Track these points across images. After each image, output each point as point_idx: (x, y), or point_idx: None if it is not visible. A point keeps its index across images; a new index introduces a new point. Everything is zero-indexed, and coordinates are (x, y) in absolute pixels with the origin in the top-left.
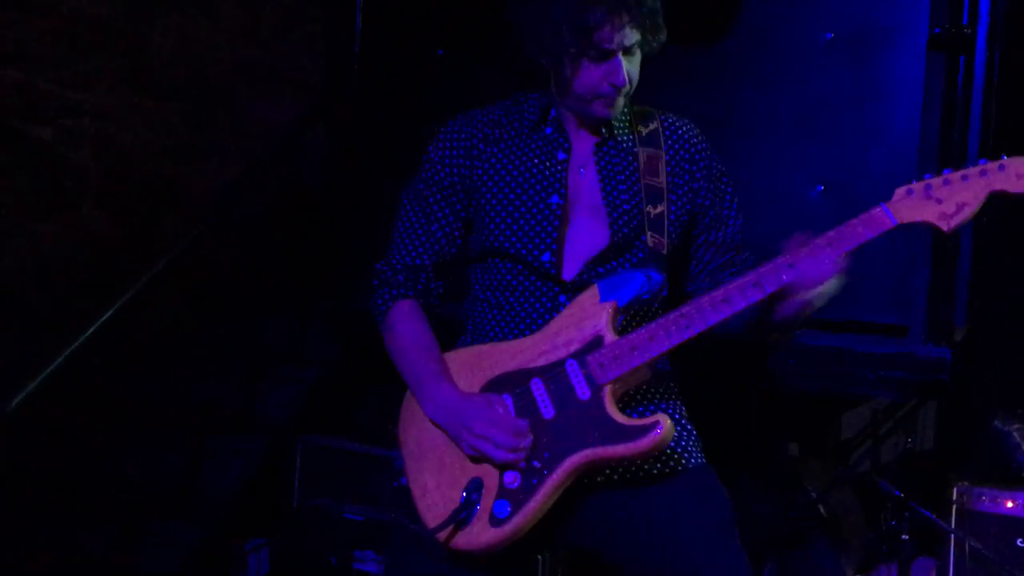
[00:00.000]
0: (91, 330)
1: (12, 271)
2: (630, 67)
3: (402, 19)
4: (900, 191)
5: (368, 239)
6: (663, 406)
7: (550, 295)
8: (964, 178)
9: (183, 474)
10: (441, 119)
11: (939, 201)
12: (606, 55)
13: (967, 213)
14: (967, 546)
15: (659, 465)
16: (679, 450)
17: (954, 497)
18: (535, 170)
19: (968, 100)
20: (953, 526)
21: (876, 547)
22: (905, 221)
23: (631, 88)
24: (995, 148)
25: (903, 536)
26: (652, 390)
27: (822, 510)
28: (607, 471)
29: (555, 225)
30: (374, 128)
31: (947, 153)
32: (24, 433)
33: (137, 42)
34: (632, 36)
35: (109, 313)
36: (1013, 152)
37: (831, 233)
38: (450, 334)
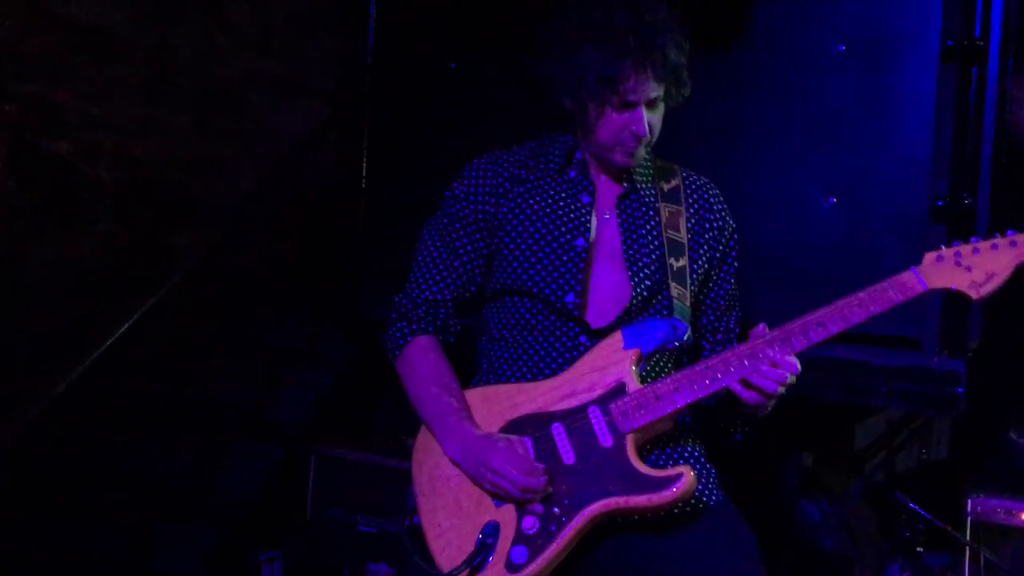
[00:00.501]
0: (110, 341)
1: (32, 281)
2: (652, 118)
3: (414, 32)
4: (929, 256)
5: (381, 246)
6: (681, 449)
7: (570, 335)
8: (993, 247)
9: (198, 478)
10: (454, 130)
11: (969, 269)
12: (629, 106)
13: (996, 282)
14: (982, 558)
15: (680, 505)
16: (700, 489)
17: (969, 509)
18: (560, 212)
19: (980, 111)
20: (968, 538)
21: (890, 558)
22: (935, 287)
23: (652, 139)
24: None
25: (917, 548)
26: (672, 432)
27: (836, 521)
28: (631, 517)
29: (580, 268)
30: (386, 138)
31: (959, 164)
32: (43, 438)
33: (152, 55)
34: (656, 90)
35: (127, 325)
36: None
37: (861, 295)
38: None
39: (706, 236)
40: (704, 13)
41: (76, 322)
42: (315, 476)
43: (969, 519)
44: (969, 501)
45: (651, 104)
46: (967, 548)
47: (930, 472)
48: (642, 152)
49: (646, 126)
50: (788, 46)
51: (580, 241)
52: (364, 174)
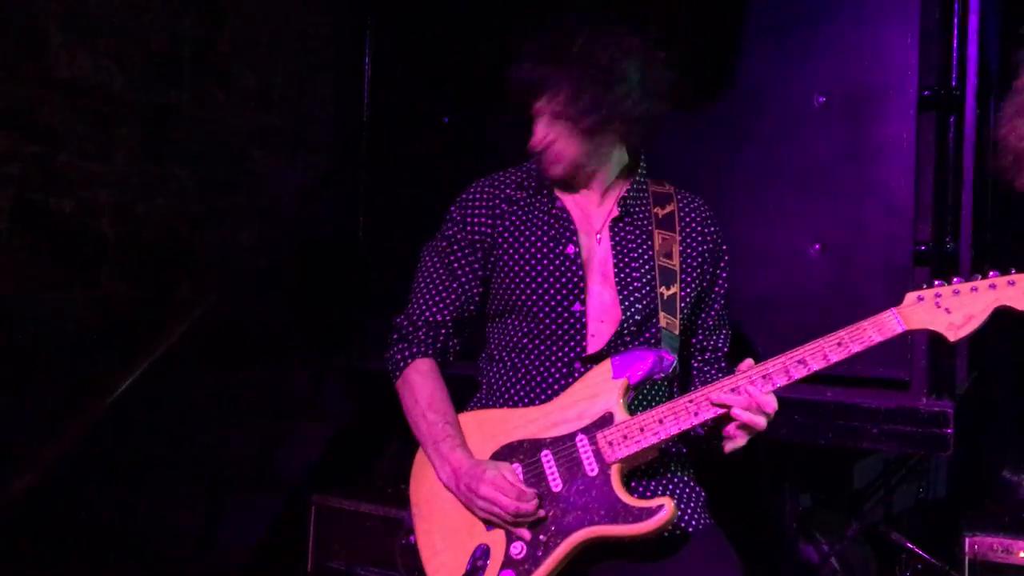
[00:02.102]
0: (112, 397)
1: (36, 337)
2: (544, 130)
3: (409, 87)
4: (911, 296)
5: (380, 297)
6: (669, 476)
7: (565, 361)
8: (973, 290)
9: (200, 532)
10: (448, 183)
11: (948, 311)
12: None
13: (974, 325)
14: None
15: (672, 530)
16: (688, 512)
17: (966, 547)
18: (545, 227)
19: (959, 158)
20: None
21: None
22: (913, 328)
23: (544, 151)
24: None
25: None
26: (660, 459)
27: (835, 562)
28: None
29: (579, 275)
30: (383, 190)
31: (941, 210)
32: (45, 495)
33: (153, 113)
34: (532, 98)
35: (130, 380)
36: (1009, 205)
37: (842, 333)
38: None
39: (698, 260)
40: (690, 70)
41: (78, 377)
42: (315, 527)
43: (967, 558)
44: (966, 540)
45: (538, 114)
46: None
47: (927, 511)
48: (556, 168)
49: (534, 136)
50: (771, 100)
51: (570, 248)
52: (362, 226)
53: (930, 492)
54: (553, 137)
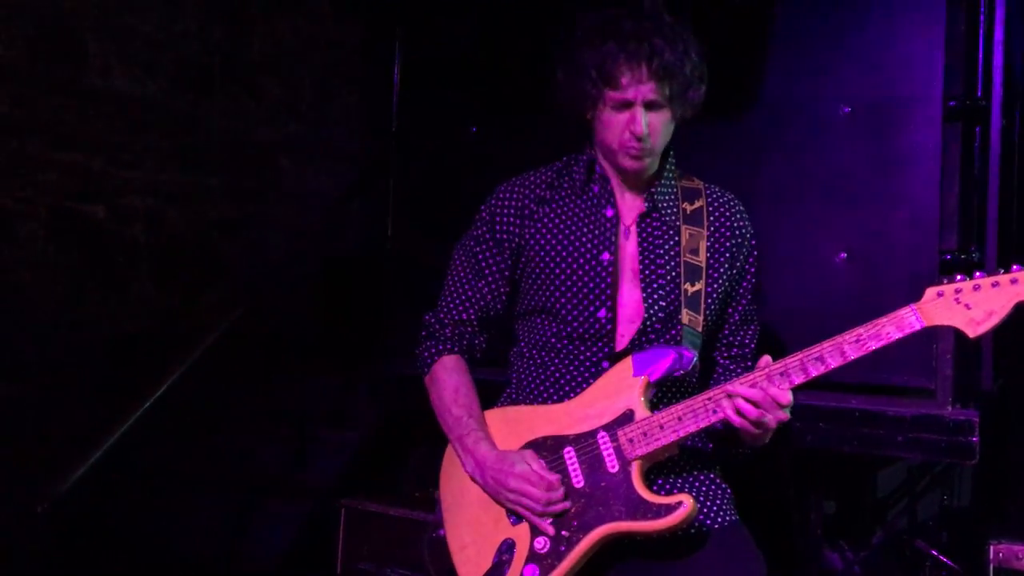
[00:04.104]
0: (146, 404)
1: (70, 344)
2: (653, 120)
3: (437, 96)
4: (930, 291)
5: (406, 306)
6: (693, 473)
7: (593, 360)
8: (994, 285)
9: (232, 540)
10: (475, 192)
11: (968, 307)
12: (628, 105)
13: (995, 320)
14: None
15: (694, 526)
16: (714, 509)
17: (991, 555)
18: (584, 228)
19: (985, 168)
20: None
21: None
22: (933, 324)
23: (653, 144)
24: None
25: None
26: (682, 456)
27: (859, 570)
28: (635, 539)
29: (608, 282)
30: (411, 200)
31: (967, 220)
32: (79, 504)
33: (183, 121)
34: (654, 91)
35: (164, 388)
36: None
37: (859, 330)
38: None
39: (725, 256)
40: (717, 82)
41: (111, 384)
42: (345, 530)
43: (992, 566)
44: (991, 547)
45: (651, 106)
46: None
47: (952, 518)
48: (647, 159)
49: (643, 125)
50: (797, 110)
51: (605, 255)
52: (390, 235)
53: (954, 500)
54: (658, 126)
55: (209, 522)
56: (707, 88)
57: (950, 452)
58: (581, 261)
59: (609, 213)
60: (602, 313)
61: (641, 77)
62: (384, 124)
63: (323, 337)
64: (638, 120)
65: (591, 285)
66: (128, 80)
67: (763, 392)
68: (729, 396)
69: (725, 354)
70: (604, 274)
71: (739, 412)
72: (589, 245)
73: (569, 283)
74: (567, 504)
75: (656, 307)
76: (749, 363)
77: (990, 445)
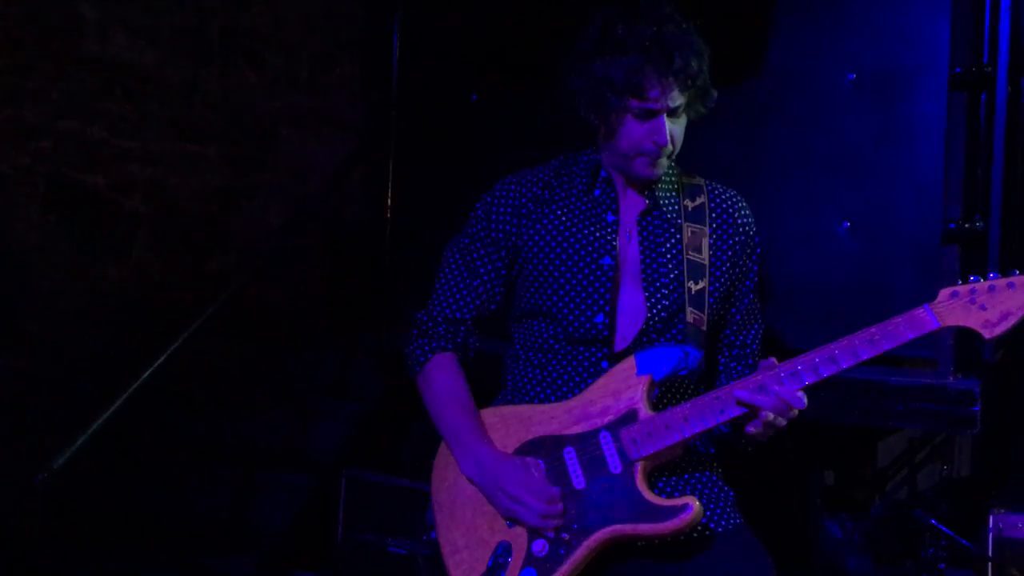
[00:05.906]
0: (143, 378)
1: (71, 313)
2: (674, 128)
3: (436, 65)
4: (944, 292)
5: (408, 277)
6: (696, 475)
7: (592, 360)
8: (1010, 286)
9: (235, 510)
10: (476, 162)
11: (983, 308)
12: (651, 114)
13: (1011, 322)
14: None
15: (697, 529)
16: (717, 512)
17: (991, 525)
18: (585, 231)
19: (990, 137)
20: (991, 554)
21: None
22: (948, 325)
23: (674, 149)
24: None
25: (940, 565)
26: (685, 457)
27: (859, 539)
28: (638, 543)
29: (607, 287)
30: (411, 169)
31: (971, 189)
32: (81, 473)
33: (183, 89)
34: (678, 99)
35: (163, 357)
36: None
37: (873, 330)
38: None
39: (728, 254)
40: (719, 50)
41: (111, 354)
42: (346, 500)
43: (991, 535)
44: (991, 517)
45: (673, 114)
46: (989, 564)
47: (952, 489)
48: (664, 163)
49: (667, 135)
50: (801, 79)
51: (607, 260)
52: (390, 205)
53: (954, 471)
54: (678, 134)
55: (210, 493)
56: (710, 58)
57: (951, 422)
58: (581, 265)
59: (610, 218)
60: (599, 318)
61: (667, 87)
62: (384, 94)
63: (324, 307)
64: (663, 130)
65: (590, 290)
66: (127, 47)
67: (776, 397)
68: (740, 404)
69: (727, 354)
70: (604, 279)
71: (752, 419)
72: (590, 249)
73: (568, 287)
74: (562, 520)
75: (659, 306)
76: (751, 361)
77: (991, 415)
